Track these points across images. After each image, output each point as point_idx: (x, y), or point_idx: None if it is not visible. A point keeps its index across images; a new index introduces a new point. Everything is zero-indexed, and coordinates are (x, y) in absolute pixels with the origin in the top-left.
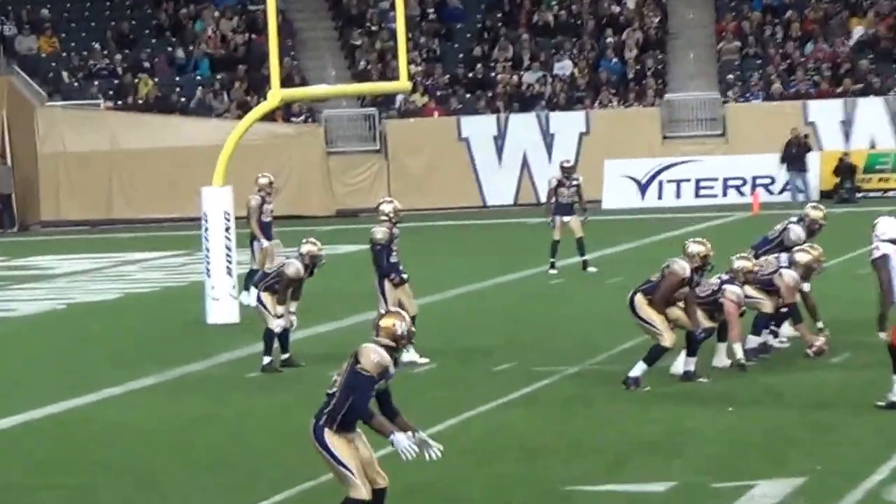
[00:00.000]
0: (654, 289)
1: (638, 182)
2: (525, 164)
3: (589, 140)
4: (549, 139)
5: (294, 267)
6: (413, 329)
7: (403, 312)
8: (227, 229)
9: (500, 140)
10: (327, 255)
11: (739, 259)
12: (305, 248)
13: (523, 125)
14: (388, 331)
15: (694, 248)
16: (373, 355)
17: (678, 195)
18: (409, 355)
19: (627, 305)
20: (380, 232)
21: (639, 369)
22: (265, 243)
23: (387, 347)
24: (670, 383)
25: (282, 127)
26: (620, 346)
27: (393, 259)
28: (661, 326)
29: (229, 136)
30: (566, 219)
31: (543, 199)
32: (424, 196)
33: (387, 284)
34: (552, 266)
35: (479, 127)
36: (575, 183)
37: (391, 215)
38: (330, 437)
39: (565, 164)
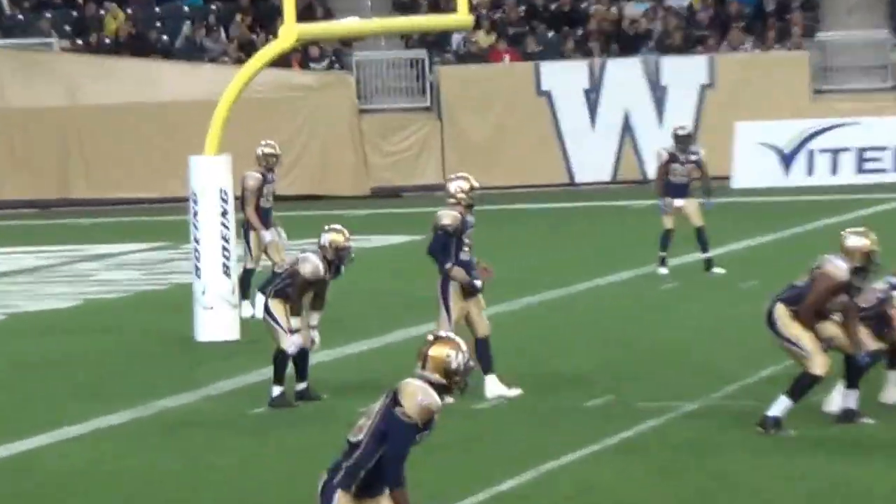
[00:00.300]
0: (802, 297)
1: (780, 152)
2: (627, 127)
3: (713, 95)
4: (659, 94)
5: (311, 264)
6: (471, 363)
7: (459, 340)
8: (224, 214)
9: (593, 95)
10: (358, 248)
11: None
12: (327, 238)
13: (625, 74)
14: (438, 363)
15: (854, 241)
16: (419, 396)
17: (834, 170)
18: (495, 387)
19: (765, 320)
20: (448, 216)
21: (781, 406)
22: (266, 236)
23: (436, 386)
24: (824, 425)
25: (298, 76)
26: (755, 374)
27: (464, 256)
28: (811, 347)
29: (227, 89)
30: (680, 203)
31: (651, 174)
32: (490, 170)
33: (452, 290)
34: (662, 263)
35: (565, 77)
36: (694, 158)
37: (464, 197)
38: (344, 502)
39: (680, 132)
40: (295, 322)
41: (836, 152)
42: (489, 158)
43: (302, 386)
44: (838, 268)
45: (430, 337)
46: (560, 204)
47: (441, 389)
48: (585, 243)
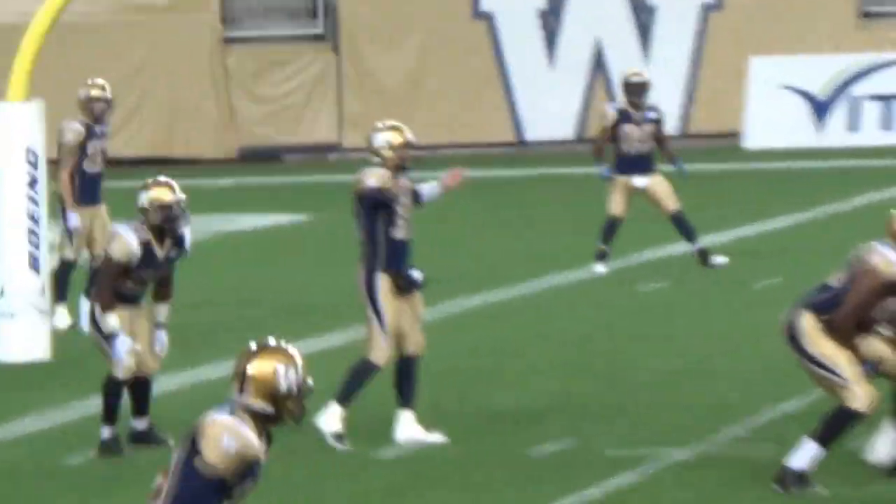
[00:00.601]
0: (838, 302)
1: (812, 99)
2: (599, 65)
3: (720, 20)
4: (644, 18)
5: (120, 241)
6: (310, 382)
7: (292, 350)
8: (33, 184)
9: (552, 19)
10: (220, 232)
11: None
12: (147, 197)
13: None
14: (262, 384)
15: None
16: (225, 438)
17: (887, 124)
18: (409, 429)
19: (785, 333)
20: (375, 176)
21: (806, 455)
22: (72, 219)
23: (257, 418)
24: (865, 480)
25: None
26: (771, 410)
27: (398, 234)
28: (850, 373)
29: (40, 10)
30: (643, 182)
31: None
32: (407, 124)
33: (381, 282)
34: (601, 258)
35: None
36: (652, 116)
37: (392, 157)
38: None
39: (634, 79)
40: (113, 321)
41: (889, 100)
42: (405, 108)
43: (141, 424)
44: (889, 261)
45: (252, 347)
46: (505, 171)
47: (267, 421)
48: (540, 226)
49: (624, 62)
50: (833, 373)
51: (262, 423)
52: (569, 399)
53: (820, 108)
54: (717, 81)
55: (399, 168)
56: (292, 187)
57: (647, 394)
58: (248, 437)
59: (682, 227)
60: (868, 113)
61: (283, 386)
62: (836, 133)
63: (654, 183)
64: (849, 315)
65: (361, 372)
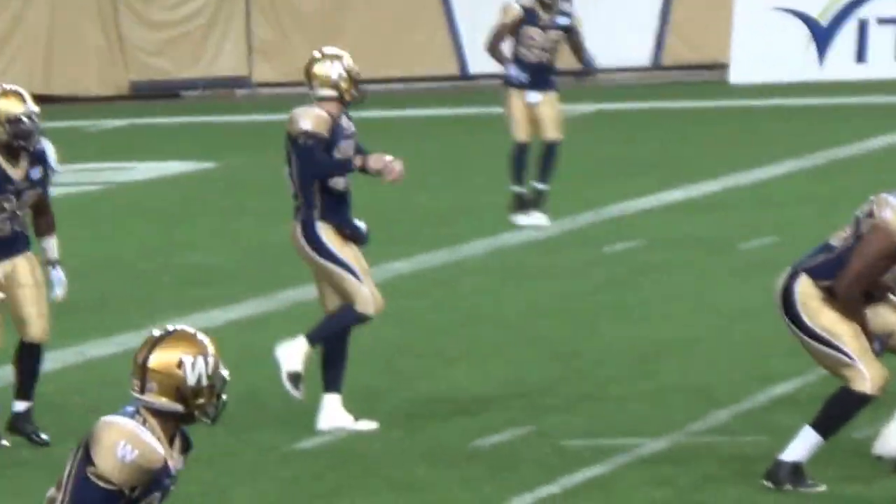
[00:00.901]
0: (841, 264)
1: (810, 23)
2: None
3: None
4: None
5: None
6: (223, 373)
7: (201, 337)
8: None
9: None
10: (109, 182)
11: None
12: None
13: None
14: (166, 377)
15: None
16: (120, 447)
17: None
18: (334, 414)
19: (779, 302)
20: (309, 117)
21: (803, 445)
22: None
23: (164, 419)
24: (873, 475)
25: None
26: (760, 392)
27: (338, 183)
28: (855, 347)
29: None
30: (536, 98)
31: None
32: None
33: (325, 232)
34: (521, 206)
35: None
36: (562, 23)
37: (332, 93)
38: None
39: None
40: None
41: None
42: (327, 35)
43: (21, 407)
44: None
45: (152, 335)
46: (448, 110)
47: (178, 421)
48: (489, 173)
49: None
50: (835, 348)
51: (172, 424)
52: (521, 382)
53: (820, 36)
54: (696, 2)
55: (340, 103)
56: (193, 129)
57: (613, 376)
58: (147, 444)
59: (547, 162)
60: (877, 40)
61: (190, 379)
62: (839, 65)
63: (544, 102)
64: (854, 280)
65: (346, 319)
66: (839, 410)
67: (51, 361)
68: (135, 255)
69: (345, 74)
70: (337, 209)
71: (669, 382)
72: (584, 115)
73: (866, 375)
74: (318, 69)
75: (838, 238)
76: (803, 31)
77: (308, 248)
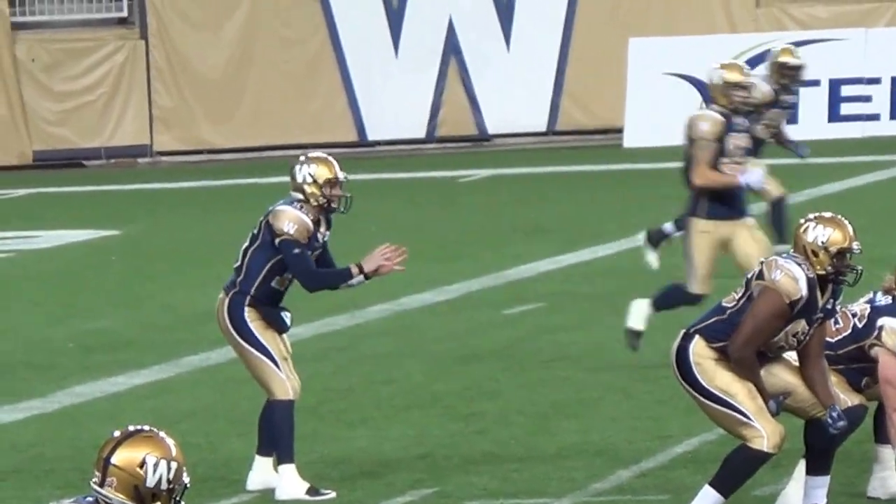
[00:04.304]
0: (732, 326)
1: (702, 88)
2: (453, 49)
3: None
4: None
5: None
6: (185, 479)
7: (165, 438)
8: None
9: (399, 2)
10: (12, 252)
11: None
12: None
13: None
14: (124, 476)
15: (819, 233)
16: None
17: (794, 116)
18: (292, 484)
19: (673, 364)
20: (292, 220)
21: None
22: None
23: None
24: None
25: None
26: (663, 450)
27: (279, 285)
28: (750, 406)
29: None
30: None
31: (489, 126)
32: (230, 122)
33: (250, 314)
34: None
35: None
36: None
37: (316, 193)
38: None
39: None
40: None
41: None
42: (227, 103)
43: None
44: (793, 276)
45: (120, 433)
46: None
47: None
48: (389, 238)
49: (483, 50)
50: (732, 408)
51: None
52: (423, 443)
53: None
54: (587, 66)
55: (321, 210)
56: (96, 197)
57: (514, 435)
58: None
59: None
60: None
61: (150, 481)
62: None
63: None
64: (746, 341)
65: (279, 416)
66: (738, 469)
67: None
68: (39, 323)
69: (310, 179)
70: (269, 301)
71: (570, 442)
72: (480, 180)
73: (763, 434)
74: (296, 172)
75: (730, 300)
76: (694, 95)
77: (230, 327)
